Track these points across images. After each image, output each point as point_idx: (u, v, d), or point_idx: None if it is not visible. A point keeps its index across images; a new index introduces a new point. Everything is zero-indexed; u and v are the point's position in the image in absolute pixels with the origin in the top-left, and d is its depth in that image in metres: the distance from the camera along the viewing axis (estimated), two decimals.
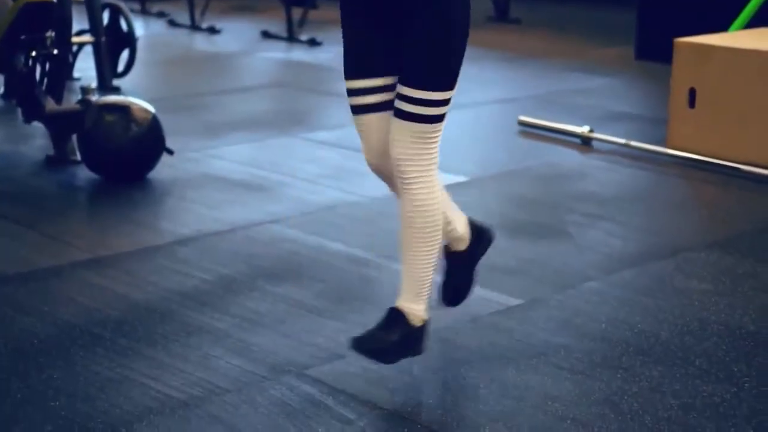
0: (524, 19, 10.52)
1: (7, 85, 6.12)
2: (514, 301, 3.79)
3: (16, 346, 3.42)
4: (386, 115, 3.05)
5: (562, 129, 6.11)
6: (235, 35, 9.68)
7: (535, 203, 4.94)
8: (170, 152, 5.28)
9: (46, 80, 5.50)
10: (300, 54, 8.82)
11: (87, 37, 7.20)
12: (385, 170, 3.13)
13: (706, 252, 4.31)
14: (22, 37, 5.29)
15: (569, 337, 3.50)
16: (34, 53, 5.38)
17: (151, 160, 5.22)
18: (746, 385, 3.20)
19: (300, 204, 4.86)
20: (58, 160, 5.47)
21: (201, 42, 9.45)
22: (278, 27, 9.69)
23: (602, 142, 5.92)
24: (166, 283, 3.93)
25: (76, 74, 7.36)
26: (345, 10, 3.08)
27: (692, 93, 5.71)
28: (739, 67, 5.55)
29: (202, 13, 10.04)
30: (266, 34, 9.57)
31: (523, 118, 6.35)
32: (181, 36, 9.70)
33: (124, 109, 5.19)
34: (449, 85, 2.99)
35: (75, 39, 6.90)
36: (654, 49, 8.01)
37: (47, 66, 5.49)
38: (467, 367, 3.29)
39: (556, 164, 5.60)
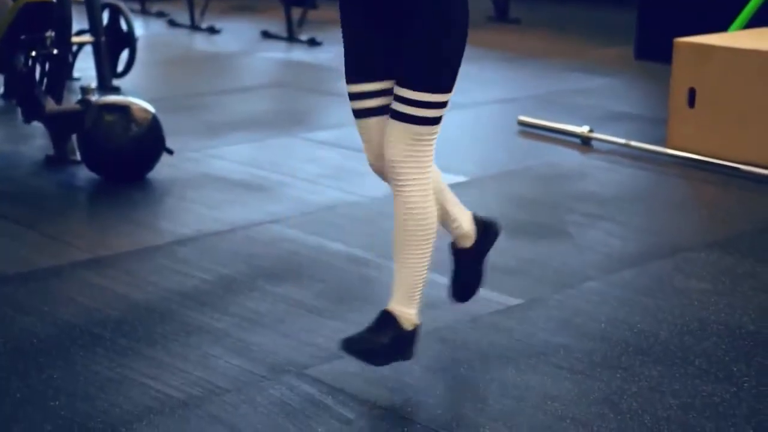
0: (524, 19, 10.52)
1: (7, 85, 6.12)
2: (513, 301, 3.79)
3: (16, 345, 3.42)
4: (387, 118, 3.05)
5: (562, 129, 6.11)
6: (235, 35, 9.68)
7: (535, 203, 4.95)
8: (170, 152, 5.28)
9: (46, 80, 5.50)
10: (300, 54, 8.82)
11: (87, 37, 7.20)
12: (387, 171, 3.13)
13: (706, 252, 4.31)
14: (22, 37, 5.30)
15: (569, 337, 3.50)
16: (34, 53, 5.39)
17: (151, 160, 5.22)
18: (746, 384, 3.20)
19: (300, 204, 4.86)
20: (58, 160, 5.47)
21: (201, 42, 9.45)
22: (278, 27, 9.69)
23: (602, 142, 5.92)
24: (166, 283, 3.93)
25: (76, 74, 7.37)
26: (344, 10, 3.07)
27: (692, 93, 5.71)
28: (739, 67, 5.56)
29: (202, 13, 10.04)
30: (266, 34, 9.58)
31: (522, 118, 6.35)
32: (181, 36, 9.71)
33: (124, 109, 5.19)
34: (447, 87, 2.98)
35: (75, 39, 6.89)
36: (654, 49, 8.01)
37: (47, 66, 5.49)
38: (467, 367, 3.29)
39: (556, 164, 5.60)
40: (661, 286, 3.95)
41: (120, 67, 7.34)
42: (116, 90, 7.00)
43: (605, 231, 4.56)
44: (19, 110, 5.69)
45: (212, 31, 9.80)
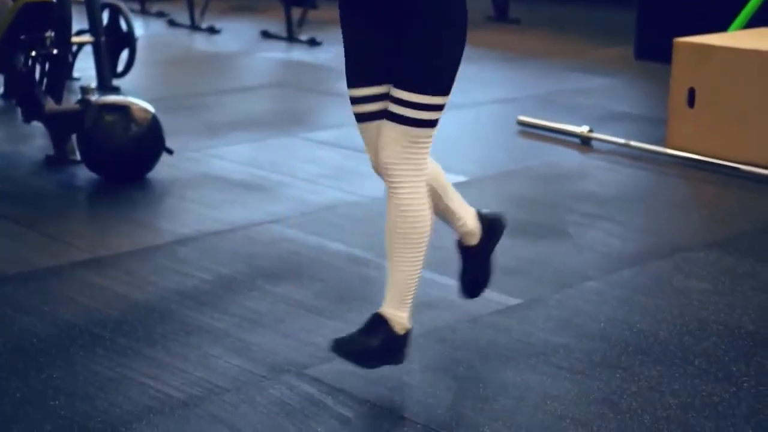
0: (524, 19, 10.52)
1: (7, 85, 6.12)
2: (513, 301, 3.79)
3: (15, 345, 3.42)
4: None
5: (562, 129, 6.11)
6: (235, 35, 9.68)
7: (534, 203, 4.95)
8: (170, 152, 5.28)
9: (45, 80, 5.50)
10: (300, 54, 8.82)
11: (87, 37, 7.20)
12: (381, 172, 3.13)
13: (706, 252, 4.31)
14: (22, 37, 5.30)
15: (568, 337, 3.50)
16: (33, 53, 5.39)
17: (151, 160, 5.22)
18: (745, 384, 3.20)
19: (300, 204, 4.86)
20: (57, 160, 5.47)
21: (201, 42, 9.45)
22: (278, 27, 9.69)
23: (602, 142, 5.92)
24: (166, 282, 3.93)
25: (75, 74, 7.37)
26: (345, 10, 3.07)
27: (692, 93, 5.71)
28: (739, 67, 5.56)
29: (202, 13, 10.04)
30: (266, 34, 9.58)
31: (522, 118, 6.35)
32: (181, 36, 9.71)
33: (123, 109, 5.19)
34: (445, 90, 2.98)
35: (75, 39, 6.89)
36: (654, 49, 8.01)
37: (47, 66, 5.49)
38: (467, 367, 3.29)
39: (556, 164, 5.60)
40: (661, 286, 3.95)
41: (120, 67, 7.35)
42: (116, 90, 7.01)
43: (605, 231, 4.56)
44: (19, 110, 5.69)
45: (212, 31, 9.80)
